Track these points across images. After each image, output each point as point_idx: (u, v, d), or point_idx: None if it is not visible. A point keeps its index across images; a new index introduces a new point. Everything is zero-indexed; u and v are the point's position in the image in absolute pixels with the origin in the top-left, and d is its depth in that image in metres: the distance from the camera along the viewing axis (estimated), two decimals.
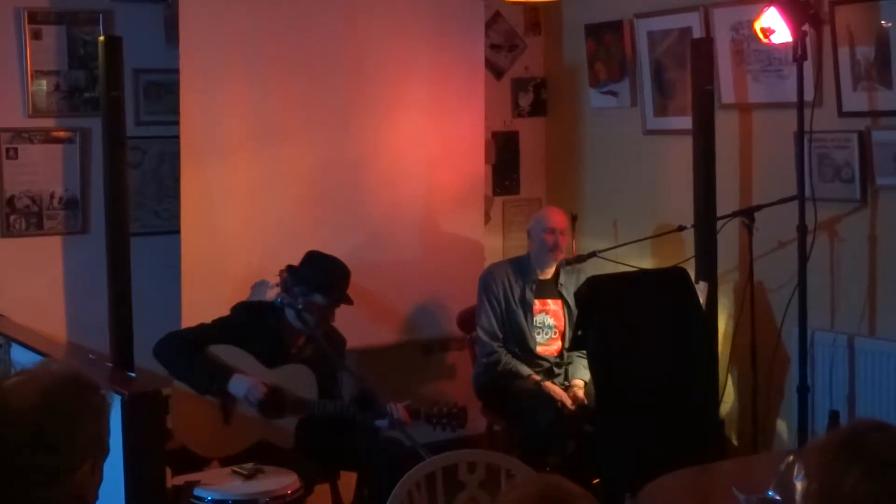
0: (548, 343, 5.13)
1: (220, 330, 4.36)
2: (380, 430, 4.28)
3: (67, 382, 2.01)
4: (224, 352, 4.31)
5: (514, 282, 5.12)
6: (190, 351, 4.27)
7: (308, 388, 4.34)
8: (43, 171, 5.05)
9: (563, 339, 5.13)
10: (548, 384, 4.97)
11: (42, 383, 1.99)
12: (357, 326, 5.34)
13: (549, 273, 5.15)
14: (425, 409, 4.36)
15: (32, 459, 1.93)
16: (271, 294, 4.84)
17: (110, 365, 4.47)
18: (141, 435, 3.80)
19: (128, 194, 4.68)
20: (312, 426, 4.36)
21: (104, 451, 2.05)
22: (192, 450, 4.22)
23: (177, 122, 4.99)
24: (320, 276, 4.42)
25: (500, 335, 5.10)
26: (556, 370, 5.11)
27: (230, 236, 5.11)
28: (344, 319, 5.21)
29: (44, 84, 5.04)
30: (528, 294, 5.10)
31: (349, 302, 4.49)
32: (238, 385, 4.22)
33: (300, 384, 4.33)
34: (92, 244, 5.02)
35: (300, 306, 4.30)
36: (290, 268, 4.49)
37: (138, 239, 4.90)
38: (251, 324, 4.38)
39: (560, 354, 5.13)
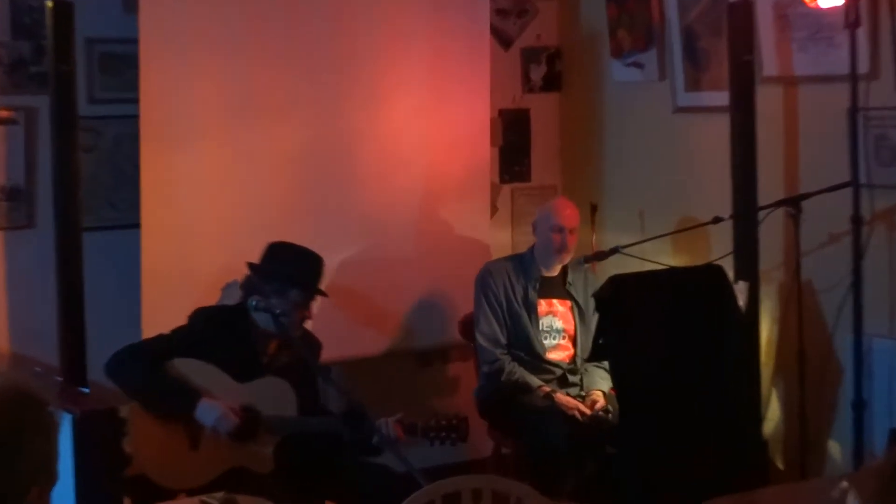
0: (556, 349, 5.14)
1: (180, 342, 4.33)
2: (371, 451, 4.27)
3: (10, 399, 2.00)
4: (188, 366, 4.29)
5: (516, 280, 5.13)
6: (149, 369, 4.21)
7: (287, 405, 4.33)
8: None
9: (573, 345, 5.13)
10: (559, 396, 4.97)
11: None
12: (344, 334, 5.35)
13: (554, 270, 5.16)
14: (421, 422, 4.36)
15: None
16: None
17: (59, 379, 4.47)
18: (94, 459, 3.81)
19: (80, 183, 4.68)
20: (293, 449, 4.35)
21: (53, 478, 2.04)
22: (156, 481, 4.19)
23: (136, 100, 4.98)
24: (292, 268, 4.40)
25: (504, 340, 5.10)
26: (570, 377, 5.12)
27: (198, 231, 5.10)
28: (330, 326, 5.21)
29: None
30: (532, 294, 5.11)
31: (324, 293, 4.48)
32: (206, 413, 4.20)
33: (277, 400, 4.32)
34: (39, 240, 5.01)
35: (277, 311, 4.29)
36: (252, 265, 4.46)
37: (92, 234, 4.89)
38: (215, 332, 4.35)
39: (572, 361, 5.14)
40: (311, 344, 4.53)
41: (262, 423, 4.27)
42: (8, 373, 4.47)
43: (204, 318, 4.41)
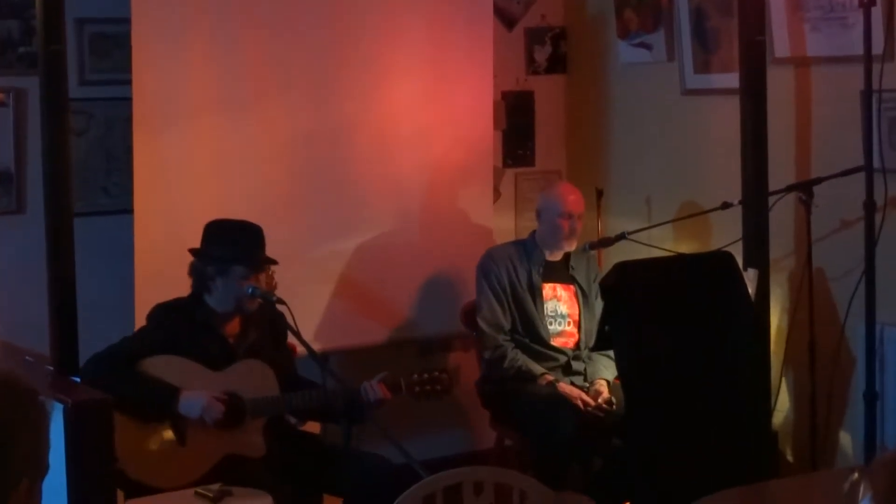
0: (561, 335, 5.15)
1: (146, 341, 4.37)
2: (361, 417, 4.26)
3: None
4: (162, 362, 4.31)
5: (520, 264, 5.14)
6: (122, 374, 4.25)
7: (267, 384, 4.38)
8: None
9: (578, 329, 5.15)
10: (562, 385, 4.99)
11: None
12: (344, 323, 5.36)
13: (557, 254, 5.17)
14: (404, 378, 4.40)
15: None
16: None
17: (51, 368, 4.46)
18: (87, 450, 3.80)
19: (71, 167, 4.66)
20: (283, 437, 4.40)
21: (43, 470, 2.04)
22: (150, 484, 4.21)
23: (128, 82, 4.97)
24: (229, 246, 4.41)
25: (506, 326, 5.11)
26: (575, 364, 5.13)
27: (192, 217, 5.08)
28: (329, 315, 5.23)
29: None
30: (536, 278, 5.13)
31: (272, 261, 4.50)
32: (190, 405, 4.24)
33: (257, 382, 4.36)
34: (28, 226, 5.01)
35: (226, 289, 4.33)
36: (192, 251, 4.47)
37: (83, 220, 4.87)
38: (176, 325, 4.39)
39: (577, 346, 5.15)
40: (277, 315, 4.46)
41: (248, 407, 4.29)
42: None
43: (164, 313, 4.44)
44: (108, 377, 4.23)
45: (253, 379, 4.37)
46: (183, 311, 4.42)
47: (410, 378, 4.46)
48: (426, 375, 4.48)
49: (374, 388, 4.33)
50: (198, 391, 4.26)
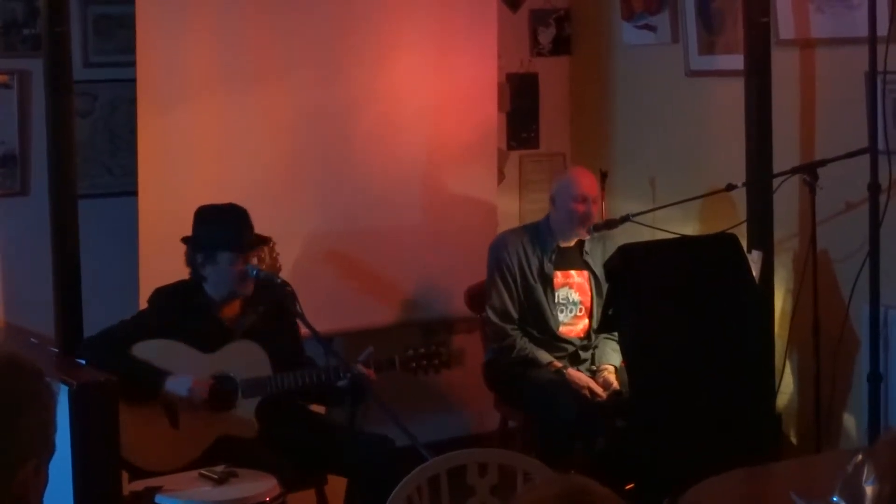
0: (572, 322, 5.15)
1: (143, 324, 4.40)
2: (360, 397, 4.24)
3: (5, 370, 2.00)
4: (155, 346, 4.33)
5: (531, 252, 5.12)
6: (115, 355, 4.28)
7: (259, 365, 4.39)
8: None
9: (590, 317, 5.14)
10: (570, 371, 4.99)
11: None
12: (346, 305, 5.36)
13: (571, 241, 5.15)
14: (398, 355, 4.40)
15: None
16: None
17: (55, 350, 4.48)
18: (92, 431, 3.83)
19: (75, 149, 4.68)
20: (284, 416, 4.41)
21: (49, 450, 2.05)
22: (145, 468, 4.24)
23: (133, 63, 4.97)
24: (214, 231, 4.43)
25: (515, 315, 5.10)
26: (582, 354, 5.13)
27: (196, 198, 5.07)
28: (332, 297, 5.23)
29: None
30: (548, 265, 5.10)
31: (264, 242, 4.50)
32: (177, 385, 4.27)
33: (248, 363, 4.38)
34: (33, 208, 5.02)
35: (218, 276, 4.34)
36: (183, 239, 4.48)
37: (87, 201, 4.89)
38: (173, 309, 4.41)
39: (587, 335, 5.15)
40: (285, 295, 4.41)
41: (238, 387, 4.31)
42: (2, 344, 4.48)
43: (164, 297, 4.47)
44: (99, 359, 4.26)
45: (245, 360, 4.38)
46: (182, 295, 4.44)
47: (405, 354, 4.46)
48: (422, 350, 4.48)
49: (360, 369, 4.32)
50: (184, 375, 4.28)
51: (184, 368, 4.31)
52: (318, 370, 4.41)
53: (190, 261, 4.45)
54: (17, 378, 2.00)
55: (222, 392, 4.31)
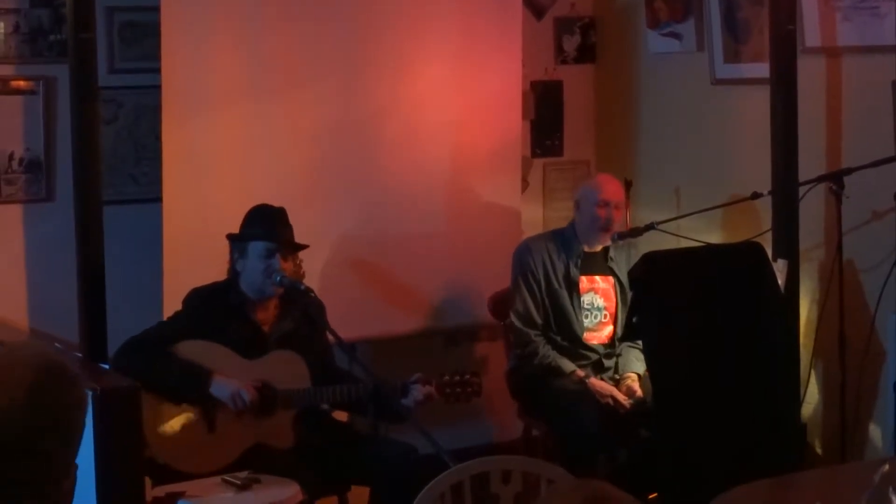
0: (597, 328, 5.14)
1: (180, 325, 4.40)
2: (397, 417, 4.28)
3: (51, 373, 1.93)
4: (196, 347, 4.34)
5: (557, 257, 5.11)
6: (156, 357, 4.29)
7: (300, 376, 4.39)
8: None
9: (614, 324, 5.14)
10: (593, 381, 4.98)
11: (21, 375, 1.90)
12: (370, 313, 5.36)
13: (597, 246, 5.15)
14: (435, 380, 4.42)
15: (22, 469, 1.87)
16: None
17: (80, 355, 4.50)
18: (115, 437, 3.83)
19: (100, 155, 4.70)
20: (313, 426, 4.41)
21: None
22: (177, 468, 4.24)
23: (157, 70, 4.99)
24: (249, 227, 4.45)
25: (539, 321, 5.10)
26: (606, 362, 5.11)
27: (220, 205, 5.10)
28: (355, 304, 5.23)
29: (0, 25, 5.05)
30: (574, 271, 5.10)
31: (300, 247, 4.51)
32: (223, 388, 4.26)
33: (289, 373, 4.38)
34: (58, 214, 5.04)
35: (250, 269, 4.35)
36: (229, 236, 4.51)
37: (112, 208, 4.91)
38: (211, 310, 4.41)
39: (611, 342, 5.14)
40: (312, 304, 4.46)
41: (280, 398, 4.31)
42: (32, 343, 4.48)
43: (199, 298, 4.47)
44: (141, 360, 4.27)
45: (286, 370, 4.38)
46: (218, 296, 4.44)
47: (442, 379, 4.46)
48: (457, 378, 4.47)
49: (417, 390, 4.36)
50: (230, 378, 4.28)
51: (227, 372, 4.32)
52: (356, 386, 4.38)
53: (230, 258, 4.47)
54: (64, 383, 1.95)
55: (264, 400, 4.31)
